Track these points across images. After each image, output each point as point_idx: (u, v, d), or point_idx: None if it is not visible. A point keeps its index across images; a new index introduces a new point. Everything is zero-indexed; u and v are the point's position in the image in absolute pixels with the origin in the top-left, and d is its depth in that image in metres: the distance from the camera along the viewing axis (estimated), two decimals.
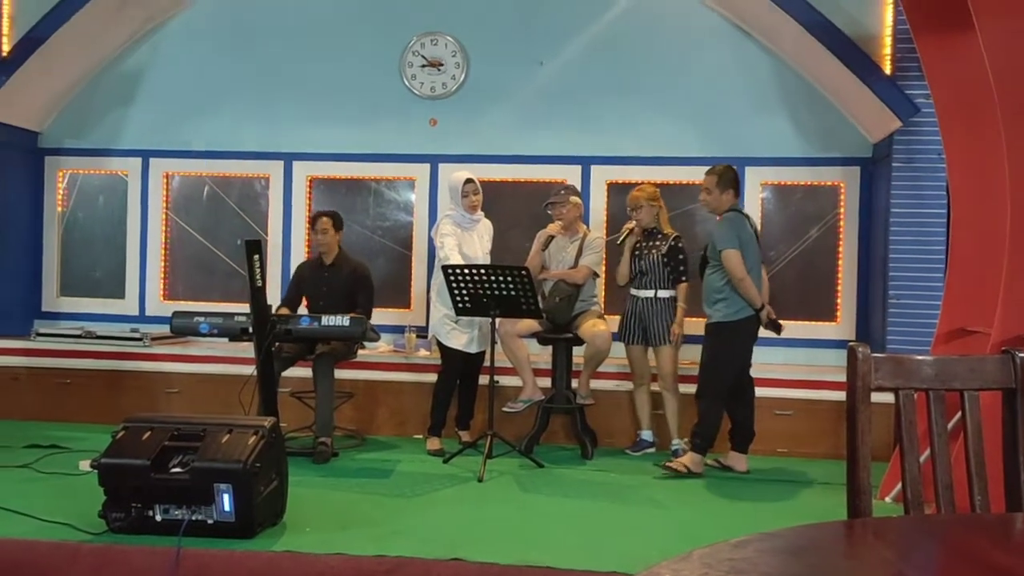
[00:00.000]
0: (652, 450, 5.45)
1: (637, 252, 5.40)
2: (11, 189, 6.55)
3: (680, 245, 5.37)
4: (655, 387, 5.42)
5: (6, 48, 6.37)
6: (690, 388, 5.11)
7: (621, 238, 5.42)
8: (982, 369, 1.81)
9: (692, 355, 5.49)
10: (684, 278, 5.33)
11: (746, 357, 4.97)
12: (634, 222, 5.39)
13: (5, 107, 6.35)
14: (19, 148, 6.62)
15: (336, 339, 5.18)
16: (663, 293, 5.34)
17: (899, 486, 2.59)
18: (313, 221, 5.65)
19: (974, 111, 4.36)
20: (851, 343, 1.76)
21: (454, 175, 5.55)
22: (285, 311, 5.38)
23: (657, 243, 5.37)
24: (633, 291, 5.43)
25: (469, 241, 5.40)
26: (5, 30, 6.42)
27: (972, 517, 1.72)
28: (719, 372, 4.88)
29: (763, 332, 5.00)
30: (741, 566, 1.26)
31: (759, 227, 5.40)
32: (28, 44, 6.22)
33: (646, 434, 5.49)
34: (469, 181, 5.41)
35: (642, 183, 5.66)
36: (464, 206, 5.40)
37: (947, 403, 1.78)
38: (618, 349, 5.50)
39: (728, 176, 4.96)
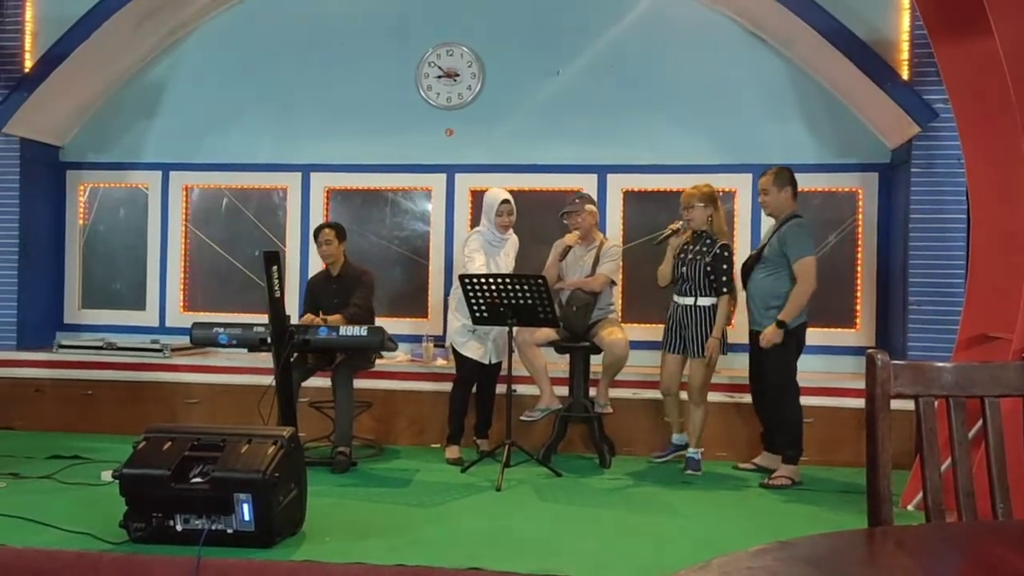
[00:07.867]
0: (683, 452, 5.28)
1: (682, 255, 5.13)
2: (33, 203, 6.63)
3: (726, 254, 5.05)
4: (682, 395, 5.29)
5: (28, 64, 6.47)
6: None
7: (660, 237, 5.19)
8: (1003, 376, 1.79)
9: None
10: (725, 290, 5.03)
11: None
12: (682, 222, 5.14)
13: (28, 122, 6.44)
14: (41, 162, 6.70)
15: (354, 349, 5.19)
16: (703, 301, 5.06)
17: (920, 494, 2.57)
18: (316, 234, 5.64)
19: (993, 115, 4.33)
20: (870, 350, 1.73)
21: (491, 191, 5.50)
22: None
23: (703, 249, 5.08)
24: (676, 298, 5.20)
25: (495, 259, 5.39)
26: (27, 47, 6.52)
27: (994, 525, 1.70)
28: (790, 378, 4.91)
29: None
30: (760, 575, 1.25)
31: None
32: (50, 60, 6.30)
33: (678, 438, 5.34)
34: (505, 202, 5.36)
35: (693, 187, 5.21)
36: (496, 224, 5.38)
37: (968, 410, 1.77)
38: (635, 358, 5.46)
39: (784, 175, 4.90)
